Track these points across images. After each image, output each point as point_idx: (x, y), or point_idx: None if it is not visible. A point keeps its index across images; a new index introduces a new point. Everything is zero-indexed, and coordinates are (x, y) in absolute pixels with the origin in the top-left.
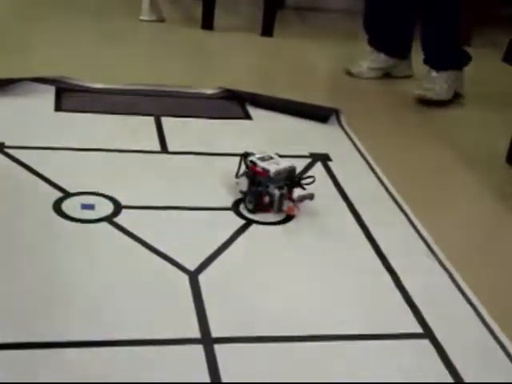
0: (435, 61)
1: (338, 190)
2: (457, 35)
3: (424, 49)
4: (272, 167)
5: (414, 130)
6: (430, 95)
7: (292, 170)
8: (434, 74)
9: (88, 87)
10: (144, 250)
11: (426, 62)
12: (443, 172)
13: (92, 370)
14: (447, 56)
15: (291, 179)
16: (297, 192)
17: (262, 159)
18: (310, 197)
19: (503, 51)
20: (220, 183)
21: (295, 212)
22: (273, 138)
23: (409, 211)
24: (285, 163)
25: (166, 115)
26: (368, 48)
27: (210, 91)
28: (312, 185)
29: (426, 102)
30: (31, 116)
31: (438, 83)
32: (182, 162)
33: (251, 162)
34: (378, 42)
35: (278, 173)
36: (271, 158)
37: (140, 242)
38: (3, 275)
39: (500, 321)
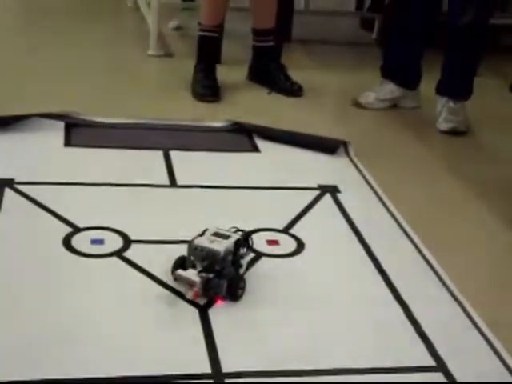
0: (458, 91)
1: (348, 222)
2: (478, 65)
3: (446, 79)
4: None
5: (422, 160)
6: (462, 128)
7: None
8: (452, 104)
9: (97, 122)
10: (154, 284)
11: (444, 92)
12: (454, 202)
13: None
14: (468, 86)
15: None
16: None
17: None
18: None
19: (506, 80)
20: (229, 216)
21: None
22: (281, 171)
23: (419, 242)
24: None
25: (175, 149)
26: (377, 79)
27: (218, 124)
28: (322, 216)
29: (455, 134)
30: (41, 152)
31: (461, 114)
32: (190, 196)
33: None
34: (391, 70)
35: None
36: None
37: (150, 276)
38: (12, 311)
39: None
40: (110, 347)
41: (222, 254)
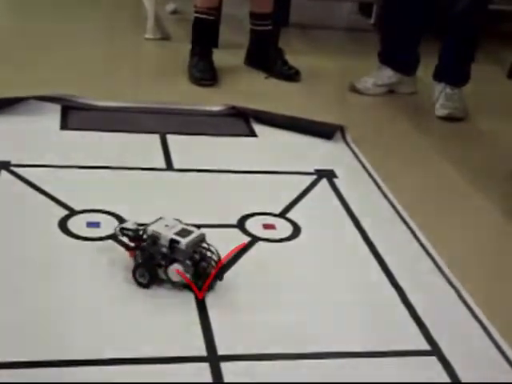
0: (456, 77)
1: (344, 207)
2: (475, 51)
3: (443, 65)
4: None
5: (419, 146)
6: (460, 114)
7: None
8: (450, 90)
9: (93, 105)
10: None
11: (441, 78)
12: (449, 187)
13: None
14: (466, 72)
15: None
16: None
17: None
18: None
19: (505, 66)
20: (225, 200)
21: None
22: (278, 155)
23: (415, 227)
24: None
25: (172, 133)
26: (374, 64)
27: (215, 108)
28: (318, 201)
29: (452, 120)
30: (37, 134)
31: (459, 100)
32: (187, 180)
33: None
34: (388, 55)
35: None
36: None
37: None
38: (7, 293)
39: (509, 337)
40: (106, 331)
41: (148, 232)
